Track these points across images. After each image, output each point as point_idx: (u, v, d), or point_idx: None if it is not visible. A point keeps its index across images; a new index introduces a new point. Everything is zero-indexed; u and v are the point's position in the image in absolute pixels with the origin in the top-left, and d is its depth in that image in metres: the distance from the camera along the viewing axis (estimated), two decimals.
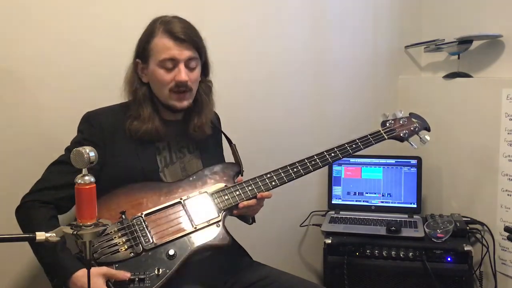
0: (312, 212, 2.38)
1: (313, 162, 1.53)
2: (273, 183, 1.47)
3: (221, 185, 1.45)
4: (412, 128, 1.69)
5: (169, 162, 1.48)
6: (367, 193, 2.30)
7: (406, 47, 2.54)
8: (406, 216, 2.22)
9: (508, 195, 2.01)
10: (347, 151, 1.58)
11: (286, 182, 1.49)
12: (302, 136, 2.32)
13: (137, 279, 1.25)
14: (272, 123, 2.22)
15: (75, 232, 0.95)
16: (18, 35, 1.55)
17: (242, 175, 1.53)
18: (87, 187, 0.97)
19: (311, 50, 2.30)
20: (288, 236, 2.37)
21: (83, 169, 0.98)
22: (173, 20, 1.40)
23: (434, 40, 2.35)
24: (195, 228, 1.36)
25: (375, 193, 2.29)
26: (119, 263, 1.27)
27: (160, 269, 1.27)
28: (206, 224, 1.37)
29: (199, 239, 1.35)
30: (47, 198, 1.34)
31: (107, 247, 1.28)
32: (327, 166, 2.32)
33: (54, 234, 0.98)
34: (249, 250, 1.62)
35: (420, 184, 2.23)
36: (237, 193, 1.43)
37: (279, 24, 2.18)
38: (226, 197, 1.42)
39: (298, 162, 1.51)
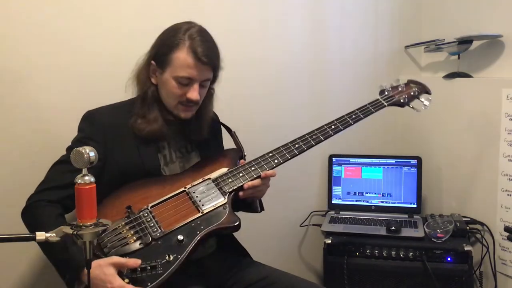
0: (312, 212, 2.38)
1: (314, 136, 1.53)
2: (276, 161, 1.47)
3: (224, 169, 1.45)
4: (412, 93, 1.65)
5: (169, 161, 1.49)
6: (367, 193, 2.30)
7: (406, 47, 2.54)
8: (406, 216, 2.22)
9: (508, 195, 2.01)
10: (347, 122, 1.57)
11: (289, 159, 1.48)
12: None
13: (149, 267, 1.25)
14: (272, 123, 2.22)
15: (75, 232, 0.96)
16: (18, 35, 1.55)
17: (244, 159, 1.53)
18: (87, 187, 0.97)
19: (311, 50, 2.30)
20: (288, 236, 2.37)
21: (83, 169, 0.98)
22: (200, 38, 1.38)
23: (434, 40, 2.35)
24: (202, 212, 1.36)
25: (375, 193, 2.29)
26: (130, 255, 1.26)
27: (171, 255, 1.27)
28: (213, 207, 1.37)
29: (208, 223, 1.35)
30: (52, 197, 1.33)
31: (117, 240, 1.28)
32: (327, 166, 2.34)
33: (54, 234, 0.99)
34: (249, 250, 1.62)
35: (420, 184, 2.23)
36: (241, 175, 1.43)
37: (279, 24, 2.18)
38: (230, 180, 1.42)
39: (299, 138, 1.51)
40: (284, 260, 2.28)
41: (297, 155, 1.49)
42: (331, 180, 2.33)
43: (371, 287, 2.04)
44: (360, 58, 2.45)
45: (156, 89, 1.44)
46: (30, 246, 1.57)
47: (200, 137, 1.52)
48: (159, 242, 1.29)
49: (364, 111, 1.61)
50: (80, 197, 0.97)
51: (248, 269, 1.51)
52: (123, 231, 1.30)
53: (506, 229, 1.62)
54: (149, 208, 1.34)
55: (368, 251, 2.01)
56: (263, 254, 1.76)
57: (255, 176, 1.43)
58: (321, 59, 2.33)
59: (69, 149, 1.39)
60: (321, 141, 1.53)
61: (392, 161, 2.29)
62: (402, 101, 1.64)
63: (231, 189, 1.41)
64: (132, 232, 1.29)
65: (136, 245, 1.28)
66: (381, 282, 2.03)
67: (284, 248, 2.35)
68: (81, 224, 0.97)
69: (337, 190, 2.33)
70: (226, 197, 1.40)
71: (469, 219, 2.14)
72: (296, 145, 1.50)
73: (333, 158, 2.34)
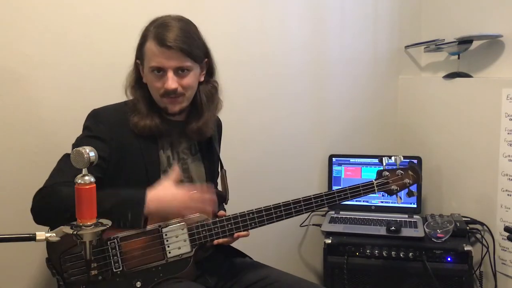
0: (312, 212, 2.38)
1: (297, 208, 1.48)
2: (253, 224, 1.44)
3: (202, 217, 1.41)
4: (405, 182, 1.63)
5: (172, 163, 1.47)
6: None
7: (406, 47, 2.54)
8: (406, 216, 2.22)
9: (508, 195, 2.01)
10: (334, 199, 1.54)
11: (266, 225, 1.46)
12: (302, 135, 2.33)
13: None
14: (272, 123, 2.22)
15: (75, 232, 0.96)
16: (18, 35, 1.55)
17: (226, 203, 1.52)
18: (87, 187, 0.97)
19: (311, 50, 2.30)
20: (288, 236, 2.37)
21: (83, 169, 0.98)
22: (166, 24, 1.37)
23: (434, 40, 2.35)
24: (166, 261, 1.36)
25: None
26: (87, 285, 1.27)
27: None
28: (178, 258, 1.37)
29: (167, 272, 1.35)
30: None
31: (78, 267, 1.27)
32: (327, 166, 2.34)
33: (54, 234, 0.99)
34: (249, 250, 1.62)
35: (420, 184, 2.22)
36: (216, 230, 1.40)
37: (279, 24, 2.18)
38: (204, 233, 1.40)
39: (283, 204, 1.47)
40: (284, 260, 2.28)
41: (274, 222, 1.47)
42: (331, 180, 2.33)
43: (371, 287, 2.04)
44: (360, 58, 2.45)
45: (146, 87, 1.43)
46: (30, 246, 1.57)
47: (202, 136, 1.49)
48: (117, 279, 1.30)
49: (354, 193, 1.56)
50: (80, 197, 0.97)
51: (248, 269, 1.51)
52: None
53: (506, 229, 1.62)
54: (118, 240, 1.31)
55: (368, 251, 2.01)
56: (263, 254, 1.76)
57: (228, 234, 1.42)
58: (321, 59, 2.33)
59: (75, 147, 1.38)
60: (302, 213, 1.50)
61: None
62: (392, 188, 1.61)
63: (201, 243, 1.40)
64: (95, 263, 1.27)
65: (95, 277, 1.27)
66: (381, 282, 2.02)
67: (284, 248, 2.35)
68: (81, 224, 0.97)
69: None
70: (194, 250, 1.39)
71: (469, 219, 2.14)
72: (278, 213, 1.46)
73: (333, 158, 2.34)
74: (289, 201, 1.48)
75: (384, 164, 1.62)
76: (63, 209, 1.22)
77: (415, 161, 1.71)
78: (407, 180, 1.62)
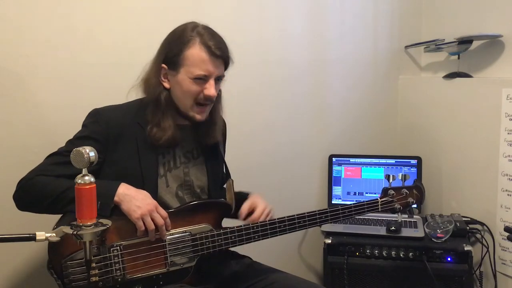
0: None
1: (301, 222, 1.49)
2: (256, 237, 1.45)
3: (207, 227, 1.41)
4: (408, 201, 1.65)
5: (173, 167, 1.47)
6: (367, 193, 2.30)
7: (406, 47, 2.54)
8: (406, 216, 2.21)
9: (508, 195, 2.01)
10: (338, 216, 1.55)
11: (269, 238, 1.47)
12: (302, 135, 2.33)
13: None
14: (272, 123, 2.22)
15: (75, 232, 0.96)
16: (18, 35, 1.56)
17: (232, 214, 1.52)
18: (87, 187, 0.97)
19: (311, 51, 2.30)
20: (288, 236, 2.34)
21: (83, 169, 0.98)
22: (208, 32, 1.39)
23: (434, 40, 2.35)
24: (168, 270, 1.36)
25: (375, 193, 2.29)
26: None
27: None
28: (179, 268, 1.37)
29: (167, 280, 1.36)
30: None
31: (79, 274, 1.26)
32: (327, 166, 2.35)
33: (54, 234, 0.99)
34: (249, 250, 1.62)
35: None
36: (219, 242, 1.41)
37: (279, 24, 2.18)
38: (207, 244, 1.40)
39: (288, 218, 1.47)
40: (284, 260, 2.28)
41: (278, 235, 1.47)
42: (331, 180, 2.33)
43: (371, 287, 2.04)
44: (360, 58, 2.45)
45: (169, 93, 1.41)
46: (29, 246, 1.57)
47: (212, 141, 1.50)
48: (118, 286, 1.30)
49: (359, 210, 1.58)
50: (80, 197, 0.97)
51: (248, 269, 1.51)
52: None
53: (506, 229, 1.62)
54: (121, 247, 1.31)
55: (368, 251, 2.01)
56: (263, 254, 1.76)
57: (231, 245, 1.43)
58: (321, 59, 2.33)
59: (69, 143, 1.38)
60: (305, 228, 1.51)
61: (392, 161, 2.29)
62: (395, 207, 1.64)
63: (203, 254, 1.39)
64: (96, 270, 1.26)
65: (96, 284, 1.27)
66: (381, 282, 2.03)
67: (284, 248, 2.35)
68: (81, 224, 0.97)
69: (337, 190, 2.33)
70: (196, 260, 1.39)
71: (469, 219, 2.14)
72: (282, 227, 1.47)
73: (333, 158, 2.34)
74: (293, 215, 1.48)
75: (390, 181, 1.64)
76: (41, 197, 1.29)
77: (417, 181, 1.72)
78: (410, 199, 1.65)
